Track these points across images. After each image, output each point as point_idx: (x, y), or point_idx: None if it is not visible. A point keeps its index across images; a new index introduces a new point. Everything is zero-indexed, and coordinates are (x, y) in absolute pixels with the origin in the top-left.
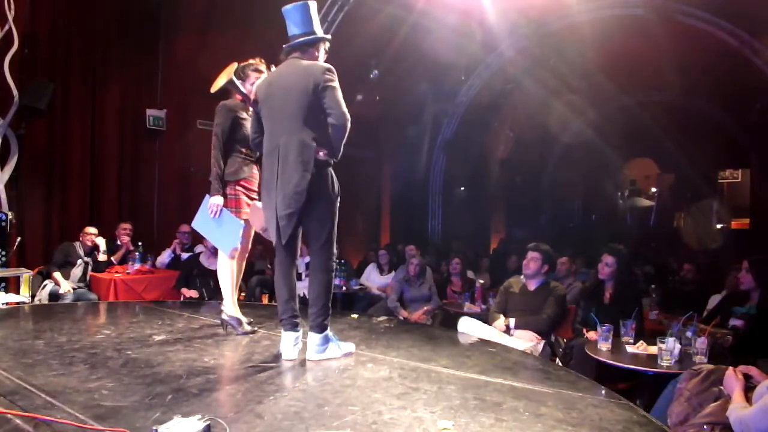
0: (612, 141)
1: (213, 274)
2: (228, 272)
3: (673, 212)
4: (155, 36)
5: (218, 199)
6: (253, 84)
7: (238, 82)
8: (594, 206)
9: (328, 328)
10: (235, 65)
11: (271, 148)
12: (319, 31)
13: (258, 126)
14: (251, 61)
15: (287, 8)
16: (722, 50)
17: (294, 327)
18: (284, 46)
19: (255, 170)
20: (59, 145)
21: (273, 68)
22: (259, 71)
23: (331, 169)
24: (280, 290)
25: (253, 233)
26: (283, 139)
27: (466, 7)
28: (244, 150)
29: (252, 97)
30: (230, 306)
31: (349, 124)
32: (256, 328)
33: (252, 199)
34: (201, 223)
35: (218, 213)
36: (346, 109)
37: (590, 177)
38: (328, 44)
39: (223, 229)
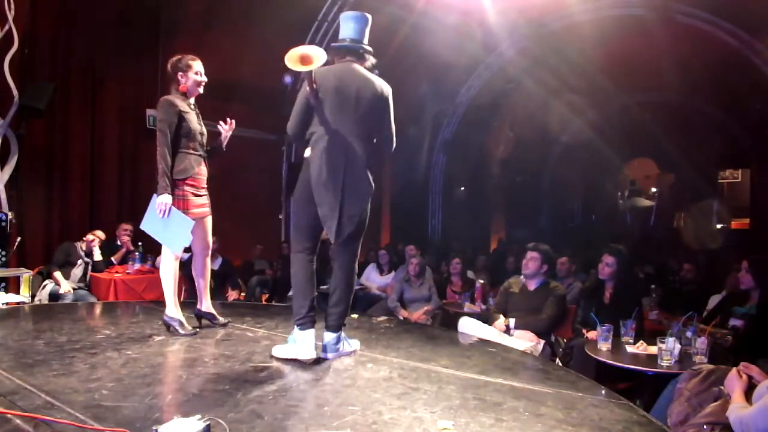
0: (612, 141)
1: (213, 274)
2: (171, 272)
3: (673, 212)
4: (155, 36)
5: (166, 198)
6: (196, 74)
7: (314, 75)
8: (594, 206)
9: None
10: (324, 57)
11: (336, 145)
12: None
13: (307, 114)
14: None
15: (352, 13)
16: (722, 50)
17: (313, 324)
18: (336, 45)
19: (203, 166)
20: (59, 145)
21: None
22: (190, 66)
23: None
24: (306, 289)
25: (210, 230)
26: (353, 141)
27: (466, 7)
28: (191, 145)
29: (314, 84)
30: (171, 307)
31: (393, 146)
32: (197, 330)
33: (199, 196)
34: (149, 223)
35: (167, 213)
36: (394, 134)
37: (590, 177)
38: (372, 62)
39: (173, 229)
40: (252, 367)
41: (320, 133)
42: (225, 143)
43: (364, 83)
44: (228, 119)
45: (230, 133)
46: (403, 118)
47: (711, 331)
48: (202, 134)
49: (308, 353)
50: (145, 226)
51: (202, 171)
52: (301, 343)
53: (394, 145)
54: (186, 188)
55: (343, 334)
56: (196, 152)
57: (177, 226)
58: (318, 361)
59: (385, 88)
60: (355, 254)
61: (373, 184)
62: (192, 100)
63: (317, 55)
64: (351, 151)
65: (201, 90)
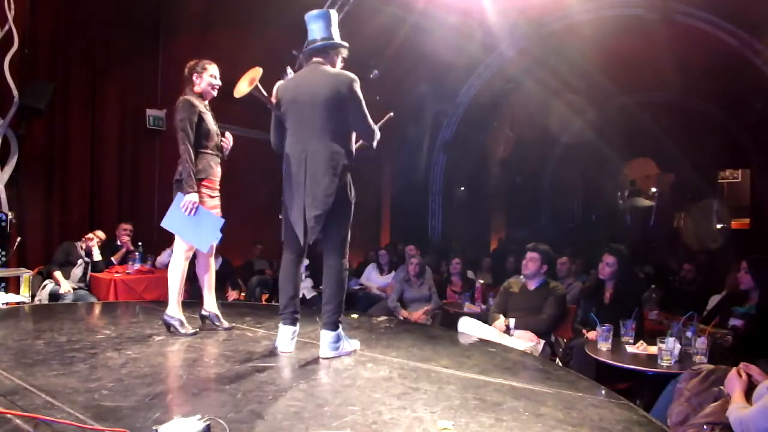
0: (612, 141)
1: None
2: (179, 272)
3: (673, 212)
4: (155, 36)
5: (194, 197)
6: (211, 77)
7: (261, 89)
8: (594, 206)
9: (340, 326)
10: (260, 70)
11: (297, 152)
12: (338, 40)
13: (280, 128)
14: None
15: (311, 14)
16: (722, 50)
17: (293, 322)
18: (304, 49)
19: (218, 167)
20: (59, 145)
21: (289, 71)
22: (206, 68)
23: (350, 175)
24: (286, 287)
25: None
26: (312, 145)
27: (466, 7)
28: (208, 145)
29: (274, 99)
30: (174, 307)
31: (377, 137)
32: (198, 330)
33: (213, 197)
34: (173, 221)
35: (194, 211)
36: (371, 123)
37: (590, 177)
38: (346, 52)
39: (201, 227)
40: (252, 367)
41: (287, 142)
42: (226, 154)
43: (322, 83)
44: (226, 133)
45: (230, 146)
46: (403, 118)
47: (711, 331)
48: (217, 135)
49: (282, 346)
50: (167, 223)
51: (217, 172)
52: (280, 336)
53: (375, 133)
54: (203, 190)
55: (342, 333)
56: (213, 152)
57: (205, 224)
58: (318, 361)
59: (345, 82)
60: (342, 253)
61: (337, 183)
62: (206, 102)
63: (255, 72)
64: (312, 155)
65: (215, 93)
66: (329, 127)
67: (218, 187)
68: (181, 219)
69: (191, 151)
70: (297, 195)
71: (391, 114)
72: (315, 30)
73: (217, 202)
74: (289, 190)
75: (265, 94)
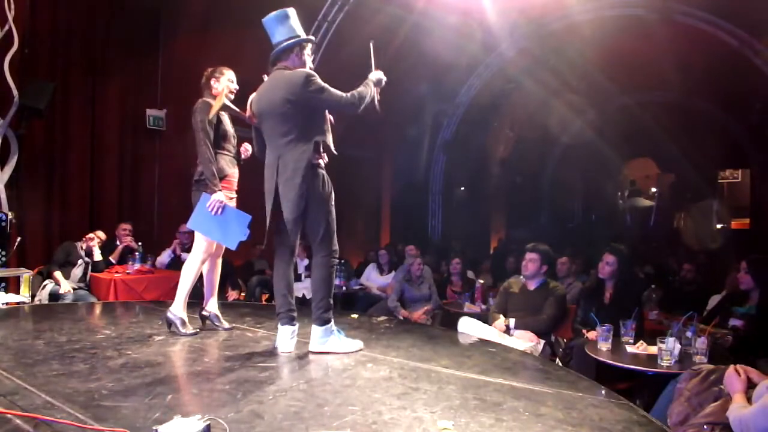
0: (612, 141)
1: None
2: (194, 271)
3: (673, 212)
4: (155, 36)
5: (221, 195)
6: (229, 81)
7: (232, 105)
8: (594, 206)
9: (332, 322)
10: (225, 92)
11: (271, 161)
12: (302, 35)
13: (259, 138)
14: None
15: (266, 19)
16: (722, 50)
17: (290, 321)
18: (270, 56)
19: (236, 168)
20: (59, 145)
21: (265, 77)
22: (223, 73)
23: (322, 171)
24: (278, 286)
25: None
26: (281, 152)
27: (467, 7)
28: (225, 146)
29: (248, 113)
30: (179, 305)
31: (356, 102)
32: (198, 330)
33: (231, 198)
34: (199, 222)
35: (221, 210)
36: (342, 97)
37: (590, 177)
38: (311, 45)
39: (230, 225)
40: (252, 366)
41: (266, 151)
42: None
43: (277, 89)
44: (245, 144)
45: (248, 155)
46: (403, 118)
47: (711, 331)
48: (234, 137)
49: (281, 346)
50: (193, 225)
51: (235, 174)
52: (280, 336)
53: (348, 102)
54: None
55: (335, 329)
56: (229, 153)
57: (232, 222)
58: (318, 361)
59: (297, 82)
60: (326, 249)
61: (307, 183)
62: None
63: (219, 100)
64: (282, 160)
65: (231, 97)
66: (292, 131)
67: (236, 188)
68: (208, 219)
69: (211, 151)
70: (269, 199)
71: (372, 41)
72: (274, 35)
73: (234, 203)
74: (267, 196)
75: (236, 109)
